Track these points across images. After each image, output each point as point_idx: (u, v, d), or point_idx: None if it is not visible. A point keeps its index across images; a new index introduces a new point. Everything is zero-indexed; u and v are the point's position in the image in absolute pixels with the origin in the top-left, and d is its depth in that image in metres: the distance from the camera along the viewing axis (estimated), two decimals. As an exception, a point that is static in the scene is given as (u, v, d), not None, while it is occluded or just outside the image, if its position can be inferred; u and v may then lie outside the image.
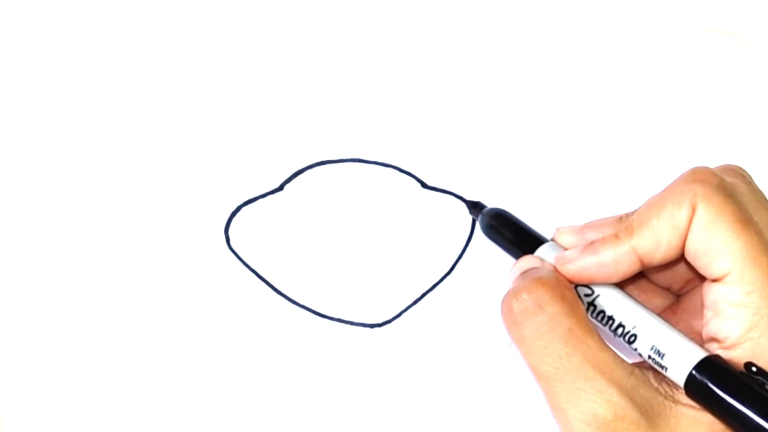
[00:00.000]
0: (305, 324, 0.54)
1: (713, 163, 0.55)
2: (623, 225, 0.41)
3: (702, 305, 0.41)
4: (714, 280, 0.39)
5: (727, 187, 0.40)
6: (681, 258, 0.40)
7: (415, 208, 0.54)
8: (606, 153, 0.55)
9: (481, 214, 0.49)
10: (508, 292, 0.41)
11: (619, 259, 0.40)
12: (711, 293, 0.39)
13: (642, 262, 0.40)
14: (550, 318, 0.39)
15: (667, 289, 0.45)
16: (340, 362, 0.53)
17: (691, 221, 0.39)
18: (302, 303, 0.54)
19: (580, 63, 0.56)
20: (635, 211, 0.41)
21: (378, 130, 0.54)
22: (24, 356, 0.52)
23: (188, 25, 0.54)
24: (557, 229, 0.44)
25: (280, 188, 0.54)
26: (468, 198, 0.54)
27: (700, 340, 0.40)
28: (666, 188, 0.40)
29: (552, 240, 0.44)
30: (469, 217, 0.54)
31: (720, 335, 0.39)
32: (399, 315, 0.54)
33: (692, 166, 0.41)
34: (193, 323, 0.53)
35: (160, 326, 0.53)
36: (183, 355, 0.53)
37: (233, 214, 0.53)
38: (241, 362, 0.53)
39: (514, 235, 0.46)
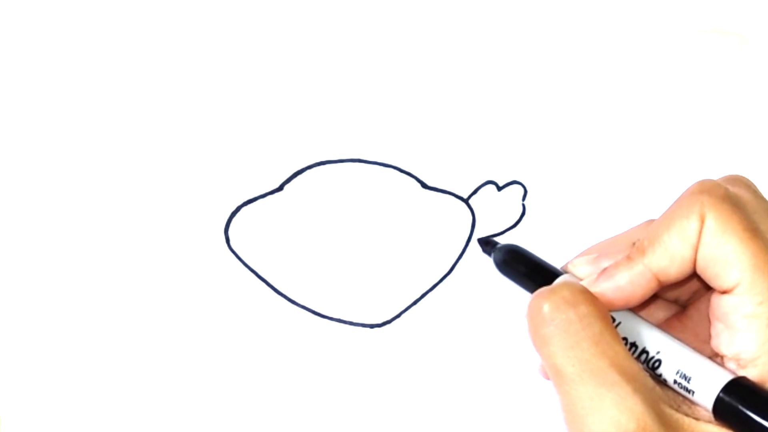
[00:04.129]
0: (305, 324, 0.54)
1: (714, 163, 0.56)
2: (635, 247, 0.40)
3: (707, 315, 0.40)
4: (723, 292, 0.39)
5: (733, 197, 0.39)
6: (694, 273, 0.40)
7: (415, 208, 0.54)
8: (605, 153, 0.55)
9: (495, 250, 0.48)
10: (537, 294, 0.40)
11: (635, 280, 0.40)
12: (721, 306, 0.39)
13: (658, 281, 0.40)
14: (581, 318, 0.39)
15: (674, 302, 0.45)
16: (341, 363, 0.53)
17: (700, 232, 0.38)
18: (302, 303, 0.54)
19: (580, 63, 0.56)
20: (649, 224, 0.41)
21: (378, 130, 0.54)
22: (24, 356, 0.52)
23: (188, 25, 0.54)
24: (571, 261, 0.43)
25: (280, 188, 0.54)
26: (481, 236, 0.54)
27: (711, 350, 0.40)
28: (673, 204, 0.40)
29: (566, 272, 0.43)
30: (469, 217, 0.54)
31: (732, 349, 0.38)
32: (399, 315, 0.54)
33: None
34: (193, 323, 0.53)
35: (160, 326, 0.53)
36: (183, 356, 0.53)
37: (233, 214, 0.53)
38: (241, 362, 0.53)
39: (529, 270, 0.45)
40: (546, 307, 0.39)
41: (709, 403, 0.38)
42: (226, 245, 0.53)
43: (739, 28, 0.56)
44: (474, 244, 0.54)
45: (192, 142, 0.54)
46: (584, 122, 0.55)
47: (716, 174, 0.55)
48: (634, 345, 0.41)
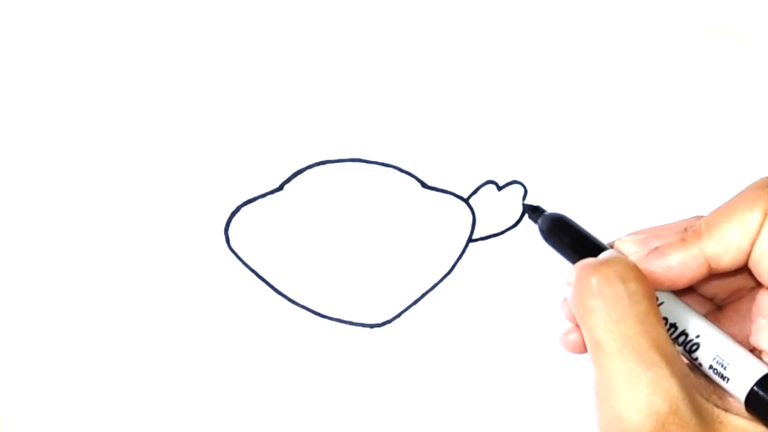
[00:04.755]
0: (305, 324, 0.54)
1: (714, 163, 0.56)
2: (690, 230, 0.40)
3: (747, 315, 0.41)
4: None
5: None
6: (744, 266, 0.40)
7: (415, 208, 0.54)
8: (605, 153, 0.55)
9: (541, 217, 0.48)
10: (587, 265, 0.40)
11: (687, 262, 0.40)
12: None
13: (710, 267, 0.40)
14: (630, 294, 0.39)
15: (710, 299, 0.45)
16: (340, 362, 0.53)
17: (762, 225, 0.39)
18: (302, 303, 0.54)
19: (580, 63, 0.56)
20: (701, 218, 0.41)
21: (378, 130, 0.54)
22: (24, 356, 0.52)
23: (188, 25, 0.54)
24: (619, 238, 0.43)
25: (280, 188, 0.54)
26: (527, 202, 0.54)
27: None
28: (737, 195, 0.40)
29: (612, 248, 0.43)
30: (469, 217, 0.54)
31: None
32: (399, 315, 0.54)
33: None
34: (193, 323, 0.53)
35: (160, 326, 0.53)
36: (183, 355, 0.53)
37: (233, 214, 0.53)
38: (241, 362, 0.53)
39: (574, 241, 0.45)
40: (595, 280, 0.39)
41: (742, 393, 0.39)
42: (226, 245, 0.53)
43: (739, 28, 0.56)
44: (474, 244, 0.54)
45: (192, 142, 0.54)
46: (584, 122, 0.55)
47: (716, 174, 0.55)
48: (673, 326, 0.41)
